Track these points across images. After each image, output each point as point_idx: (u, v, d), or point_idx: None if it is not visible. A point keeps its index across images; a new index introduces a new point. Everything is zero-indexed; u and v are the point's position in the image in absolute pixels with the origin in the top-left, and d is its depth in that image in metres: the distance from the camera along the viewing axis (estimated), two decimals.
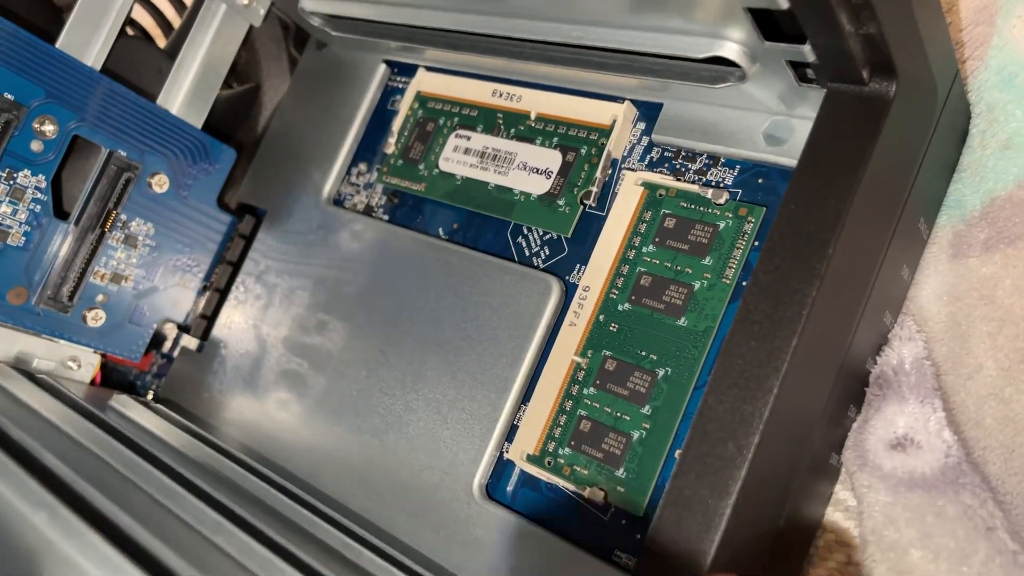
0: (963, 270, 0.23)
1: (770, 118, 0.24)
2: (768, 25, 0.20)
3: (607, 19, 0.23)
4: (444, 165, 0.30)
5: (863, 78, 0.20)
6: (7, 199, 0.27)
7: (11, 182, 0.27)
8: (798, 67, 0.21)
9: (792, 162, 0.23)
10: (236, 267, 0.33)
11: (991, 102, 0.23)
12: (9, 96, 0.26)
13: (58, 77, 0.27)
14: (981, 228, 0.23)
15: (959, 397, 0.22)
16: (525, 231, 0.28)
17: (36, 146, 0.27)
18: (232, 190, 0.35)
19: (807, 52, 0.20)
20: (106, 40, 0.28)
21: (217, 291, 0.33)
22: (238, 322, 0.33)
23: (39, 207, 0.28)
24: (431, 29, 0.27)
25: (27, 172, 0.27)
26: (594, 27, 0.23)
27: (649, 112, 0.27)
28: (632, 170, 0.26)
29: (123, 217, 0.30)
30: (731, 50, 0.21)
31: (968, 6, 0.23)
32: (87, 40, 0.28)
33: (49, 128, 0.27)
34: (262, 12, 0.32)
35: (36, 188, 0.28)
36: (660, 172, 0.26)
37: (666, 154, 0.26)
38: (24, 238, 0.28)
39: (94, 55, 0.28)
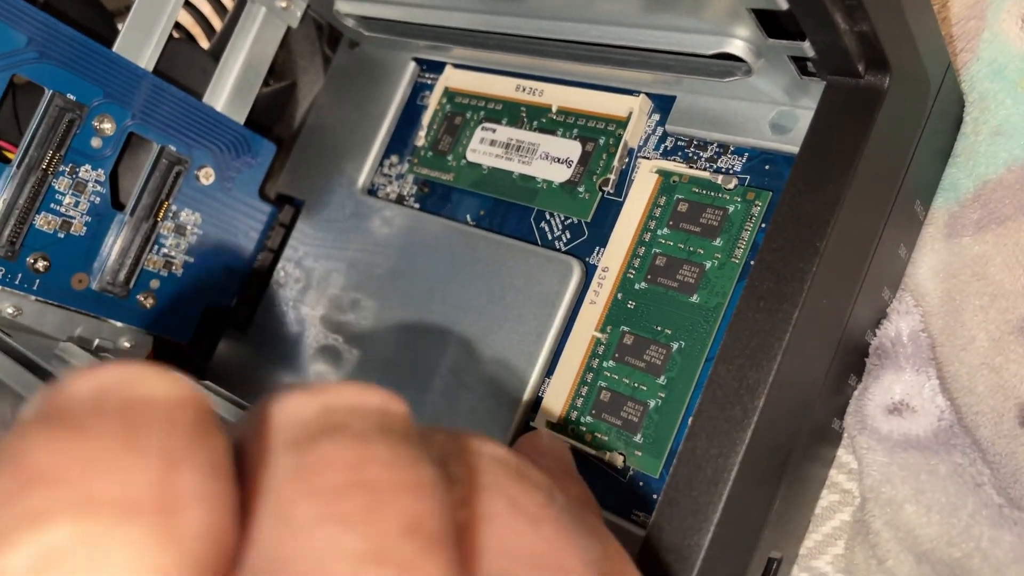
0: (957, 248, 0.25)
1: (775, 109, 0.26)
2: (771, 24, 0.22)
3: (623, 19, 0.25)
4: (471, 156, 0.32)
5: (859, 71, 0.22)
6: (71, 192, 0.29)
7: (74, 176, 0.29)
8: (799, 61, 0.23)
9: (796, 149, 0.25)
10: (277, 254, 0.36)
11: (983, 91, 0.24)
12: (72, 97, 0.29)
13: (115, 79, 0.30)
14: (974, 209, 0.25)
15: (953, 367, 0.24)
16: (548, 216, 0.30)
17: (96, 143, 0.30)
18: (272, 182, 0.37)
19: (807, 48, 0.22)
20: (157, 44, 0.31)
21: (259, 276, 0.36)
22: (279, 303, 0.35)
23: (98, 199, 0.30)
24: (458, 29, 0.29)
25: (88, 167, 0.30)
26: (611, 26, 0.25)
27: (663, 104, 0.28)
28: (647, 158, 0.28)
29: (173, 208, 0.32)
30: (738, 47, 0.23)
31: (960, 3, 0.25)
32: (140, 44, 0.30)
33: (107, 126, 0.30)
34: (299, 14, 0.34)
35: (96, 182, 0.30)
36: (674, 160, 0.28)
37: (679, 143, 0.28)
38: (85, 228, 0.30)
39: (146, 58, 0.31)
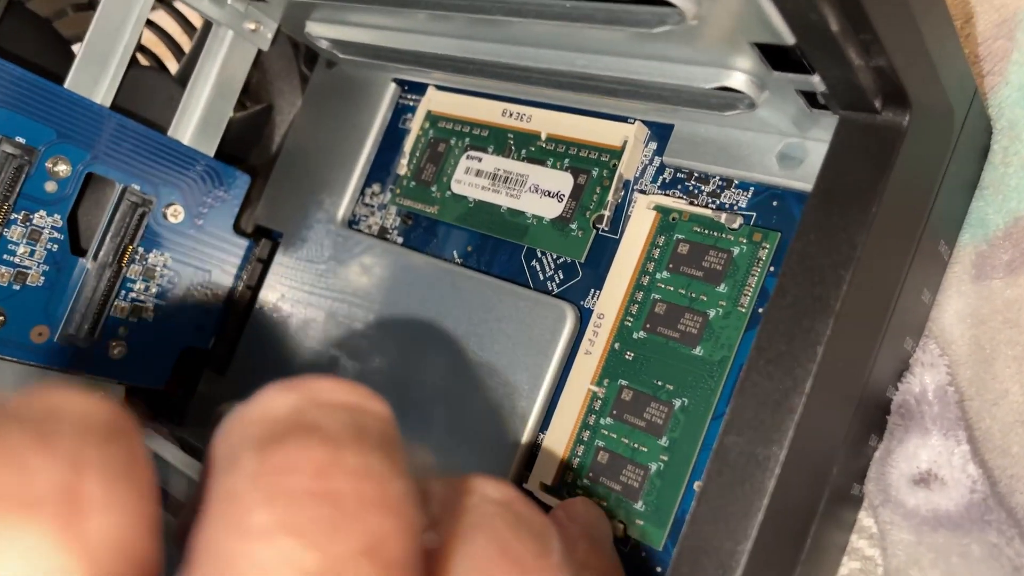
0: (986, 292, 0.22)
1: (783, 140, 0.23)
2: (776, 55, 0.20)
3: (612, 48, 0.22)
4: (456, 188, 0.30)
5: (875, 107, 0.19)
6: (24, 241, 0.27)
7: (28, 224, 0.27)
8: (809, 94, 0.21)
9: (806, 186, 0.23)
10: (255, 290, 0.34)
11: (1012, 119, 0.22)
12: (20, 140, 0.26)
13: (68, 117, 0.27)
14: (1004, 249, 0.22)
15: (984, 424, 0.22)
16: (539, 254, 0.28)
17: (50, 187, 0.28)
18: (249, 212, 0.35)
19: (816, 83, 0.19)
20: (114, 77, 0.28)
21: (237, 314, 0.34)
22: (259, 343, 0.33)
23: (56, 246, 0.28)
24: (436, 55, 0.27)
25: (43, 213, 0.28)
26: (600, 55, 0.23)
27: (661, 131, 0.26)
28: (644, 192, 0.26)
29: (140, 250, 0.30)
30: (739, 80, 0.21)
31: (986, 20, 0.22)
32: (95, 78, 0.28)
33: (62, 168, 0.28)
34: (269, 36, 0.32)
35: (53, 228, 0.28)
36: (673, 194, 0.25)
37: (679, 175, 0.25)
38: (43, 278, 0.28)
39: (103, 92, 0.28)
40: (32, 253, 0.28)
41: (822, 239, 0.20)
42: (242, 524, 0.11)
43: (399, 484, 0.12)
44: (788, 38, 0.18)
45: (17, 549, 0.10)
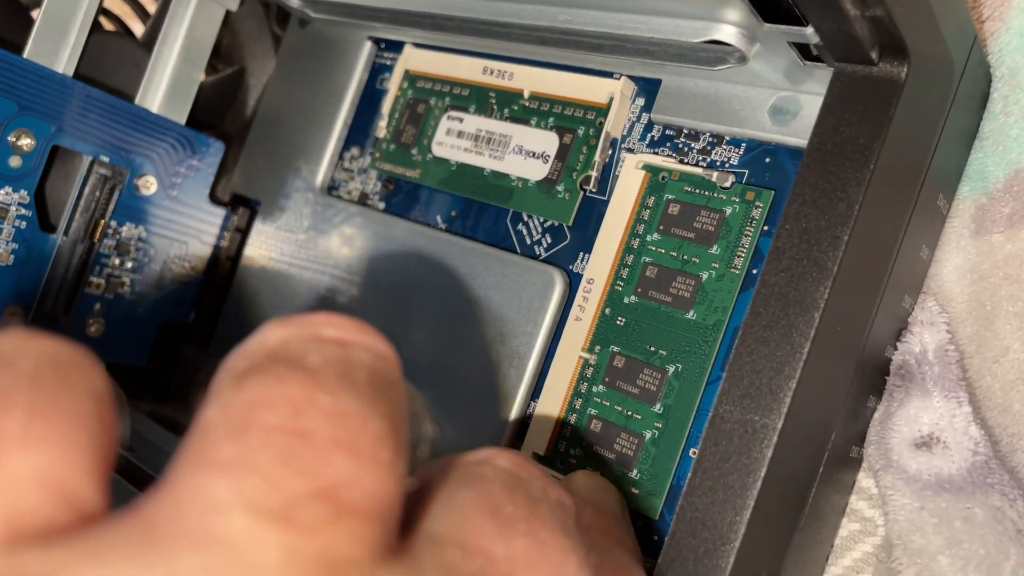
0: (987, 247, 0.22)
1: (775, 94, 0.22)
2: (766, 6, 0.19)
3: (596, 2, 0.21)
4: (437, 150, 0.29)
5: (872, 59, 0.18)
6: None
7: None
8: (802, 46, 0.20)
9: (800, 141, 0.22)
10: (235, 261, 0.33)
11: (1013, 66, 0.21)
12: None
13: (29, 88, 0.26)
14: (1005, 202, 0.21)
15: (985, 382, 0.21)
16: (525, 218, 0.27)
17: (15, 162, 0.26)
18: (224, 181, 0.34)
19: (810, 34, 0.19)
20: (76, 44, 0.27)
21: (217, 286, 0.33)
22: (240, 315, 0.32)
23: (24, 223, 0.27)
24: (412, 12, 0.26)
25: (8, 189, 0.27)
26: (582, 9, 0.22)
27: (648, 87, 0.25)
28: (632, 151, 0.25)
29: (112, 224, 0.29)
30: (728, 33, 0.20)
31: None
32: (56, 46, 0.27)
33: (26, 142, 0.26)
34: None
35: (20, 204, 0.27)
36: (662, 152, 0.24)
37: (667, 132, 0.25)
38: (12, 256, 0.27)
39: (65, 60, 0.27)
40: (0, 232, 0.27)
41: (818, 200, 0.19)
42: (206, 457, 0.11)
43: (376, 427, 0.12)
44: None
45: None
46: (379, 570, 0.11)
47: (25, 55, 0.26)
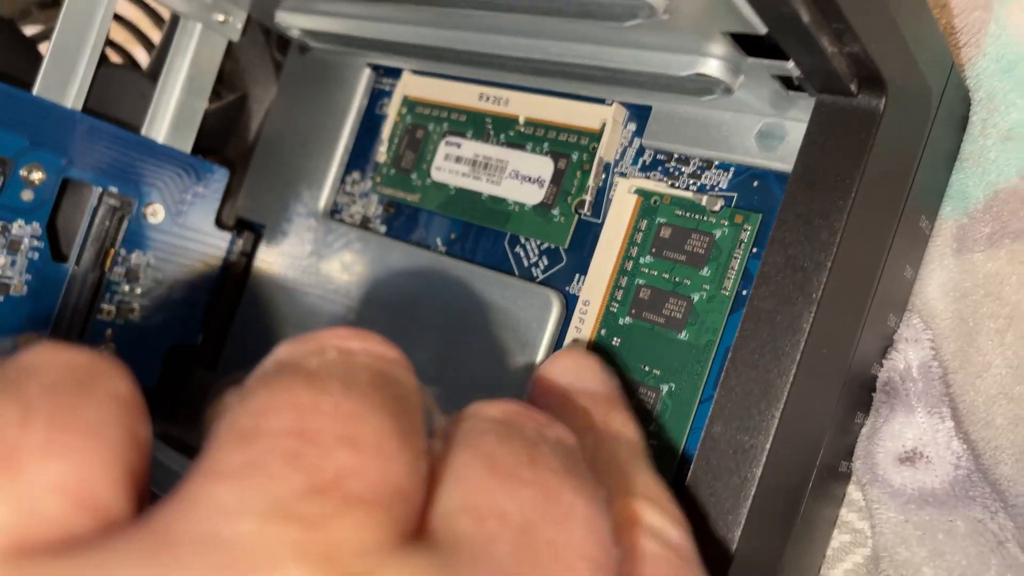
0: (968, 265, 0.22)
1: (761, 120, 0.23)
2: (750, 42, 0.19)
3: (587, 37, 0.22)
4: (436, 175, 0.29)
5: (851, 91, 0.19)
6: (5, 251, 0.27)
7: (6, 234, 0.27)
8: (785, 78, 0.20)
9: (786, 167, 0.23)
10: (241, 284, 0.34)
11: (990, 91, 0.22)
12: None
13: (40, 124, 0.27)
14: (985, 222, 0.22)
15: (968, 396, 0.22)
16: (523, 240, 0.27)
17: (27, 195, 0.27)
18: (230, 204, 0.34)
19: (791, 68, 0.19)
20: (84, 79, 0.28)
21: (224, 309, 0.33)
22: (247, 337, 0.33)
23: (37, 255, 0.28)
24: (409, 44, 0.27)
25: (21, 222, 0.27)
26: (574, 43, 0.22)
27: (639, 112, 0.26)
28: (625, 175, 0.26)
29: (122, 252, 0.30)
30: (713, 67, 0.20)
31: None
32: (65, 82, 0.28)
33: (37, 176, 0.27)
34: (239, 27, 0.32)
35: (32, 236, 0.28)
36: (653, 176, 0.25)
37: (659, 157, 0.25)
38: (26, 287, 0.28)
39: (73, 95, 0.28)
40: (13, 263, 0.27)
41: (801, 227, 0.20)
42: (214, 466, 0.11)
43: (378, 420, 0.12)
44: (760, 28, 0.18)
45: None
46: (392, 555, 0.11)
47: (35, 91, 0.27)
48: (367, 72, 0.32)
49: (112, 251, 0.29)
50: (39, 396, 0.11)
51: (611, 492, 0.16)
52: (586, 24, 0.19)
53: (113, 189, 0.29)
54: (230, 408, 0.13)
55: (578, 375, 0.20)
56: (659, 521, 0.16)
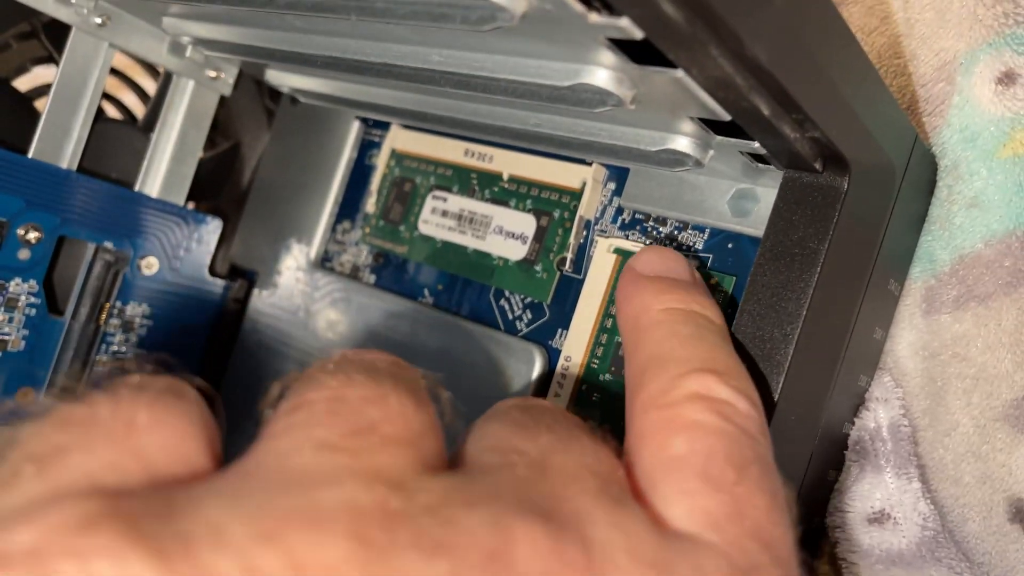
0: (936, 327, 0.23)
1: (735, 186, 0.24)
2: (717, 124, 0.20)
3: (564, 111, 0.23)
4: (424, 228, 0.30)
5: (816, 168, 0.20)
6: (2, 309, 0.28)
7: (4, 292, 0.28)
8: (753, 154, 0.21)
9: (758, 232, 0.23)
10: (232, 331, 0.34)
11: (955, 159, 0.23)
12: None
13: (36, 185, 0.28)
14: (952, 285, 0.23)
15: (937, 454, 0.23)
16: (507, 294, 0.28)
17: (24, 254, 0.28)
18: (224, 251, 0.35)
19: (757, 147, 0.20)
20: (78, 140, 0.29)
21: (217, 357, 0.34)
22: (239, 384, 0.34)
23: (34, 311, 0.29)
24: (394, 108, 0.27)
25: (18, 280, 0.28)
26: (552, 116, 0.23)
27: (618, 173, 0.27)
28: (604, 234, 0.26)
29: (117, 305, 0.31)
30: (683, 144, 0.21)
31: (927, 63, 0.23)
32: (60, 143, 0.28)
33: (33, 235, 0.28)
34: (231, 81, 0.32)
35: (29, 293, 0.28)
36: (632, 236, 0.26)
37: (637, 216, 0.26)
38: (24, 342, 0.29)
39: (68, 156, 0.29)
40: (11, 320, 0.28)
41: (770, 299, 0.20)
42: (272, 430, 0.15)
43: (398, 394, 0.15)
44: (724, 116, 0.18)
45: (95, 454, 0.14)
46: (425, 474, 0.14)
47: (31, 154, 0.28)
48: (356, 124, 0.33)
49: (107, 304, 0.30)
50: (147, 396, 0.15)
51: (690, 364, 0.18)
52: (560, 105, 0.20)
53: (108, 244, 0.30)
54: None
55: (664, 265, 0.22)
56: (726, 394, 0.17)
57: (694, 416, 0.17)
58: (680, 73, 0.17)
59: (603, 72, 0.18)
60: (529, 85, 0.19)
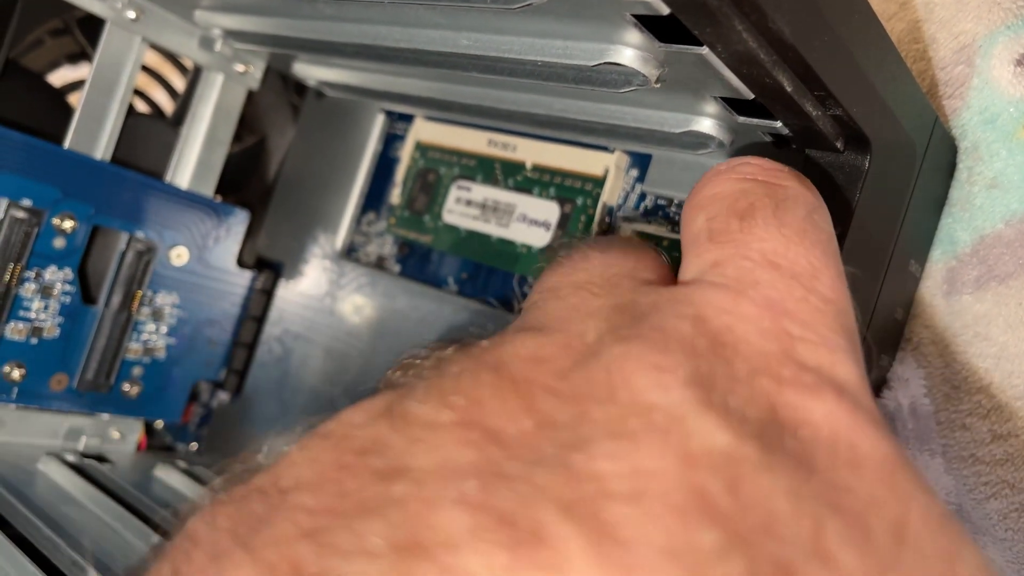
0: (958, 307, 0.23)
1: None
2: (740, 105, 0.21)
3: (588, 95, 0.23)
4: (448, 217, 0.31)
5: (838, 148, 0.20)
6: (38, 297, 0.29)
7: (40, 280, 0.28)
8: (776, 134, 0.22)
9: None
10: (260, 321, 0.35)
11: (975, 140, 0.23)
12: (27, 203, 0.28)
13: (71, 175, 0.29)
14: (973, 266, 0.23)
15: (958, 434, 0.23)
16: (531, 281, 0.29)
17: (59, 243, 0.29)
18: (251, 243, 0.36)
19: (780, 127, 0.20)
20: (112, 132, 0.29)
21: (245, 346, 0.35)
22: (267, 372, 0.34)
23: (69, 299, 0.29)
24: (420, 97, 0.28)
25: (54, 268, 0.29)
26: (576, 100, 0.24)
27: (641, 160, 0.27)
28: (629, 220, 0.27)
29: (148, 294, 0.31)
30: (707, 125, 0.21)
31: (946, 46, 0.23)
32: (94, 135, 0.29)
33: (69, 224, 0.29)
34: (259, 76, 0.33)
35: (64, 281, 0.29)
36: (655, 221, 0.26)
37: (659, 202, 0.26)
38: (58, 329, 0.29)
39: (102, 148, 0.29)
40: (46, 308, 0.29)
41: None
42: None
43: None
44: (748, 95, 0.19)
45: None
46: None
47: (66, 145, 0.29)
48: (381, 117, 0.34)
49: (139, 293, 0.31)
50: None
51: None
52: (585, 87, 0.20)
53: (140, 234, 0.31)
54: None
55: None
56: (741, 163, 0.18)
57: (711, 190, 0.18)
58: (704, 50, 0.17)
59: (629, 51, 0.18)
60: (556, 66, 0.20)
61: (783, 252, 0.16)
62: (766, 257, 0.15)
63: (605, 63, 0.19)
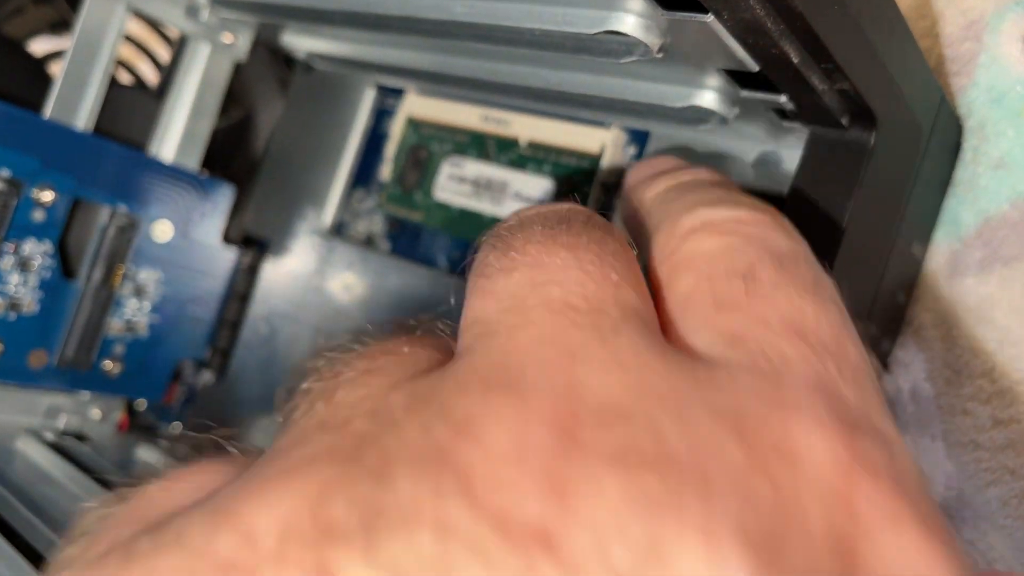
0: (961, 289, 0.23)
1: (757, 148, 0.24)
2: (744, 77, 0.20)
3: (586, 67, 0.23)
4: (439, 195, 0.30)
5: (843, 124, 0.20)
6: (16, 270, 0.28)
7: (18, 254, 0.28)
8: (779, 109, 0.21)
9: (781, 191, 0.23)
10: (246, 299, 0.34)
11: (981, 119, 0.22)
12: (6, 173, 0.27)
13: (52, 146, 0.28)
14: (976, 248, 0.23)
15: (958, 419, 0.23)
16: None
17: (38, 215, 0.28)
18: (237, 219, 0.35)
19: (784, 102, 0.20)
20: (94, 102, 0.29)
21: (231, 325, 0.34)
22: (252, 352, 0.34)
23: (48, 273, 0.29)
24: (413, 68, 0.27)
25: (33, 241, 0.28)
26: (573, 73, 0.23)
27: (638, 136, 0.26)
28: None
29: (131, 269, 0.30)
30: (708, 99, 0.21)
31: (954, 23, 0.23)
32: (75, 105, 0.28)
33: (48, 196, 0.28)
34: (246, 48, 0.32)
35: (44, 255, 0.28)
36: None
37: None
38: (37, 304, 0.29)
39: (84, 118, 0.29)
40: (25, 282, 0.28)
41: None
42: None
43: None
44: (753, 67, 0.18)
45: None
46: None
47: (47, 114, 0.28)
48: (372, 92, 0.33)
49: (121, 268, 0.30)
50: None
51: (681, 211, 0.17)
52: (584, 57, 0.20)
53: (122, 208, 0.30)
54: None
55: (650, 168, 0.22)
56: (721, 214, 0.16)
57: (693, 248, 0.16)
58: (710, 18, 0.17)
59: (631, 18, 0.18)
60: (554, 35, 0.19)
61: (799, 318, 0.14)
62: (789, 326, 0.14)
63: (606, 31, 0.18)
